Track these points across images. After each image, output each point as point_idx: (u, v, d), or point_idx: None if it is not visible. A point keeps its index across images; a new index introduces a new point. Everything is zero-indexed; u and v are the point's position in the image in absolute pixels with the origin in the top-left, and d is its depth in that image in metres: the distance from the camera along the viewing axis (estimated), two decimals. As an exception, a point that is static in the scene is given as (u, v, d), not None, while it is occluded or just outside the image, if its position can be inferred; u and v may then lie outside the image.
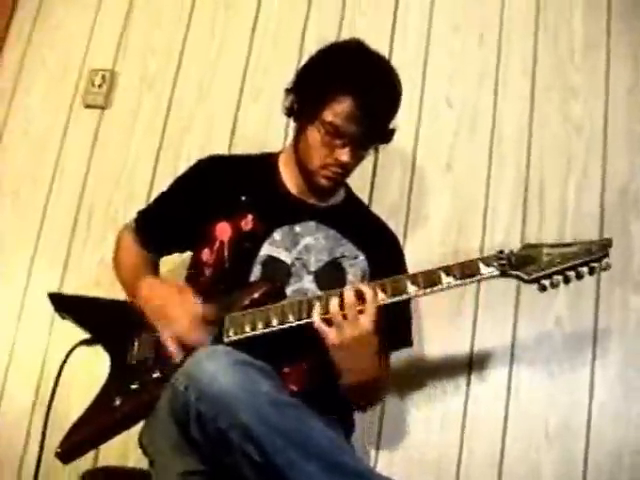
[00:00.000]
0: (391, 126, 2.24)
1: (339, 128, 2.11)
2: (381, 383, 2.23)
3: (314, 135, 2.16)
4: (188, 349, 1.99)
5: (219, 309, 2.07)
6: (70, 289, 2.90)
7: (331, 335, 1.93)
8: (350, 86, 2.09)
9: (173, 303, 2.07)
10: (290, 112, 2.27)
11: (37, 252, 3.01)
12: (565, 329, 2.75)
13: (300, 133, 2.24)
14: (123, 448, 2.59)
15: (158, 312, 2.09)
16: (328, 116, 2.11)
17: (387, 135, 2.26)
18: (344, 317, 1.92)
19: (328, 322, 1.94)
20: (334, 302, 1.93)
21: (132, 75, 3.17)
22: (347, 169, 2.21)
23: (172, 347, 2.02)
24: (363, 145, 2.19)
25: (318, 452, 1.68)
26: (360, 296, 1.93)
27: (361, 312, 1.92)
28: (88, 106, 3.14)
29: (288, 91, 2.27)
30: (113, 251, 2.44)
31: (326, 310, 1.95)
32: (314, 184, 2.24)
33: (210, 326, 2.04)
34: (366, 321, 1.92)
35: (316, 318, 1.95)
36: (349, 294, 1.93)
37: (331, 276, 2.20)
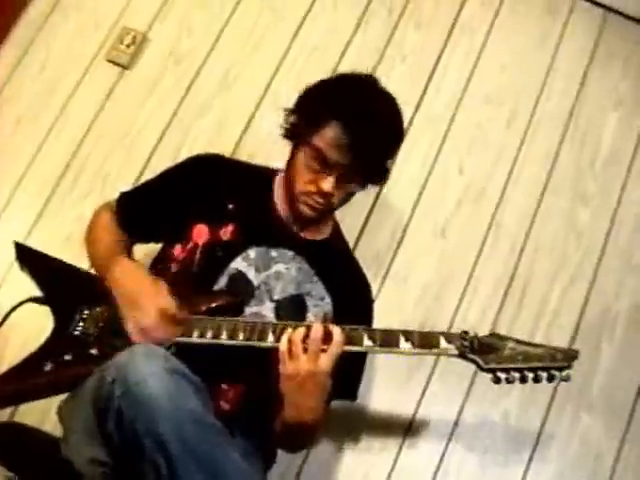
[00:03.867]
0: (384, 167, 2.20)
1: (325, 155, 2.06)
2: (319, 429, 2.14)
3: (301, 158, 2.12)
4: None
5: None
6: (40, 235, 2.88)
7: (288, 364, 1.87)
8: (343, 114, 2.04)
9: (146, 293, 2.00)
10: (286, 132, 2.23)
11: (19, 187, 2.95)
12: (510, 425, 2.76)
13: (292, 154, 2.20)
14: (44, 410, 2.53)
15: (128, 298, 2.01)
16: (316, 140, 2.07)
17: (376, 174, 2.20)
18: (305, 350, 1.86)
19: (290, 351, 1.88)
20: (299, 332, 1.88)
21: (163, 46, 3.13)
22: (329, 201, 2.13)
23: (138, 339, 1.94)
24: (347, 178, 2.11)
25: (226, 483, 1.63)
26: (327, 335, 1.87)
27: (323, 351, 1.86)
28: (110, 61, 3.09)
29: (288, 111, 2.23)
30: (88, 224, 2.37)
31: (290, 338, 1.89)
32: (295, 210, 2.18)
33: (178, 326, 1.97)
34: (325, 361, 1.86)
35: (284, 344, 1.88)
36: (317, 329, 1.87)
37: (292, 310, 2.15)
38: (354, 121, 2.03)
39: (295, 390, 1.88)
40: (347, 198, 2.20)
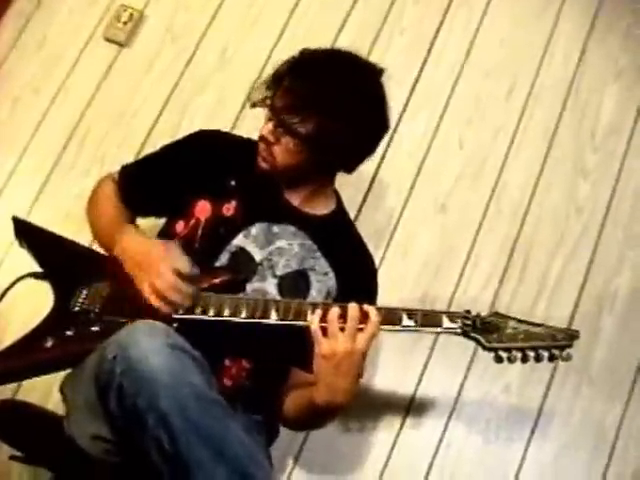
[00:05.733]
0: (322, 131, 2.05)
1: (273, 104, 2.09)
2: (343, 411, 2.06)
3: None
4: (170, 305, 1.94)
5: None
6: (40, 213, 2.88)
7: (323, 344, 1.86)
8: (296, 65, 2.09)
9: (159, 256, 1.99)
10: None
11: (19, 165, 2.96)
12: (512, 398, 2.78)
13: None
14: (47, 387, 2.55)
15: (141, 263, 2.00)
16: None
17: (315, 135, 2.05)
18: (341, 329, 1.86)
19: (323, 330, 1.87)
20: (334, 311, 1.87)
21: (159, 22, 3.12)
22: (271, 152, 2.10)
23: (156, 302, 1.94)
24: (280, 120, 2.05)
25: (230, 458, 1.63)
26: (364, 314, 1.87)
27: (360, 330, 1.86)
28: (107, 39, 3.08)
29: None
30: (90, 195, 2.37)
31: (322, 318, 1.88)
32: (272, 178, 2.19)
33: (194, 285, 1.97)
34: (363, 340, 1.85)
35: (315, 323, 1.88)
36: (354, 307, 1.87)
37: (295, 285, 2.14)
38: (302, 71, 2.06)
39: (330, 370, 1.87)
40: (293, 159, 2.11)
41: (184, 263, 1.97)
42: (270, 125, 2.08)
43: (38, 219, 2.62)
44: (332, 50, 2.21)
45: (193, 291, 1.96)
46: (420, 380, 2.77)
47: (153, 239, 2.13)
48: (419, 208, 2.95)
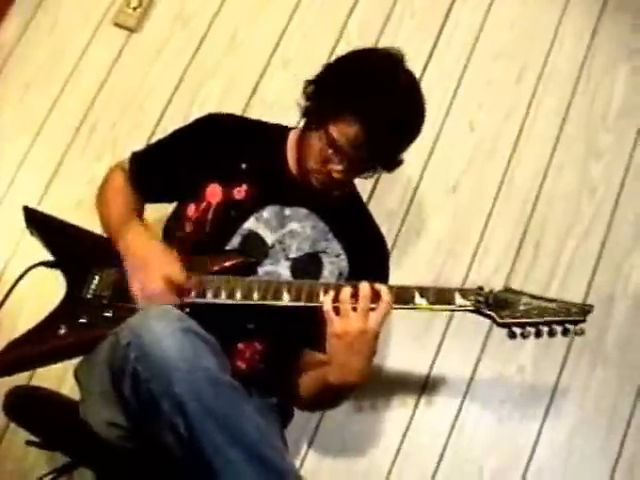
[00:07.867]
0: (398, 159, 2.15)
1: (341, 147, 2.01)
2: (357, 390, 2.07)
3: (316, 141, 2.07)
4: None
5: (187, 268, 2.02)
6: (51, 200, 2.88)
7: (336, 323, 1.86)
8: (361, 111, 1.98)
9: (155, 260, 2.02)
10: (303, 112, 2.17)
11: (31, 151, 2.95)
12: (526, 379, 2.77)
13: (306, 129, 2.15)
14: (61, 374, 2.55)
15: (137, 263, 2.03)
16: (334, 131, 2.01)
17: (389, 165, 2.17)
18: (354, 309, 1.86)
19: (335, 310, 1.87)
20: (347, 290, 1.87)
21: (169, 8, 3.10)
22: (341, 180, 2.11)
23: (140, 302, 1.97)
24: (359, 166, 2.09)
25: (245, 441, 1.64)
26: (376, 293, 1.87)
27: (372, 309, 1.86)
28: (117, 24, 3.08)
29: (308, 84, 2.15)
30: (100, 185, 2.36)
31: (335, 298, 1.88)
32: (307, 181, 2.15)
33: (182, 295, 1.99)
34: (375, 318, 1.85)
35: (328, 303, 1.88)
36: (365, 287, 1.87)
37: (307, 268, 2.15)
38: (372, 121, 1.98)
39: (343, 350, 1.87)
40: (359, 176, 2.19)
41: (177, 273, 1.99)
42: (343, 168, 2.06)
43: (50, 206, 2.66)
44: (384, 73, 2.05)
45: (178, 301, 1.97)
46: (434, 360, 2.78)
47: (156, 242, 2.13)
48: (431, 191, 2.94)
